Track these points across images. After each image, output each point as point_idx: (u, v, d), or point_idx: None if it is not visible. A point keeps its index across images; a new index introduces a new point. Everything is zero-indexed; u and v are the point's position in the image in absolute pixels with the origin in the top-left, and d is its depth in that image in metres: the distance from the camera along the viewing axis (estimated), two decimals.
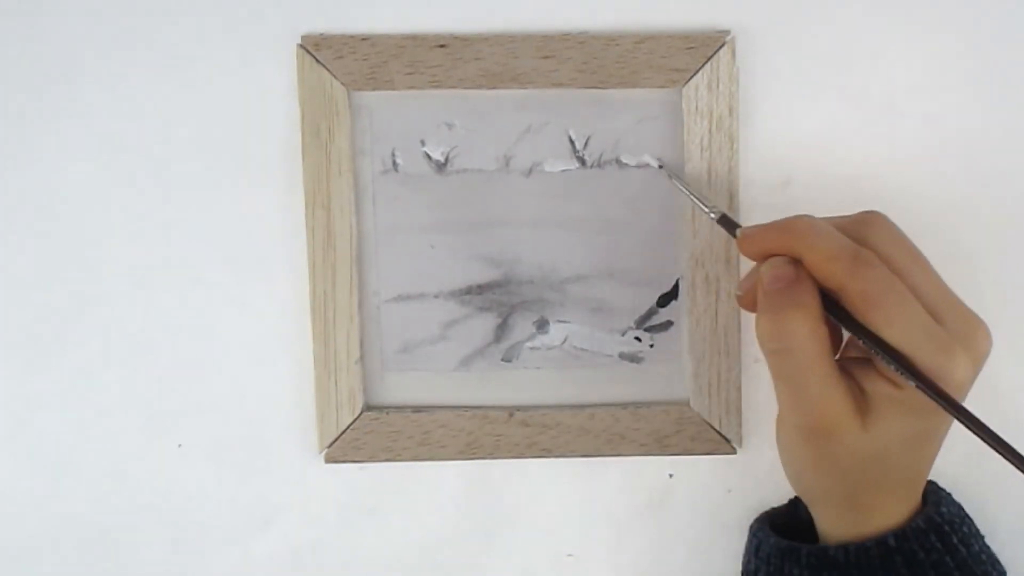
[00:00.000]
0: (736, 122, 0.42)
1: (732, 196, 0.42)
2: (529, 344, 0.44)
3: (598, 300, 0.43)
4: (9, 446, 0.45)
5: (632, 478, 0.45)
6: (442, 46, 0.42)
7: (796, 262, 0.35)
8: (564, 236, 0.43)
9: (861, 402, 0.35)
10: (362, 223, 0.43)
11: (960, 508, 0.40)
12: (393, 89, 0.42)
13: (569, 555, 0.45)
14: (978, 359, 0.34)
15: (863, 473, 0.36)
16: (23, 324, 0.44)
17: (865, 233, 0.35)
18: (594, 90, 0.42)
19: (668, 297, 0.43)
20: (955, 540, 0.37)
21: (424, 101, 0.43)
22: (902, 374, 0.33)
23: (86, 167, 0.43)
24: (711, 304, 0.43)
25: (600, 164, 0.43)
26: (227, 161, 0.43)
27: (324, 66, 0.42)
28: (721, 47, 0.42)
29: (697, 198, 0.41)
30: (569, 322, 0.44)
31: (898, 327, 0.33)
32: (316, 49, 0.42)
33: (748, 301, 0.36)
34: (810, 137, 0.43)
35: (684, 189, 0.41)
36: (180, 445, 0.45)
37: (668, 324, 0.44)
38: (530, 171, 0.43)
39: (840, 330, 0.37)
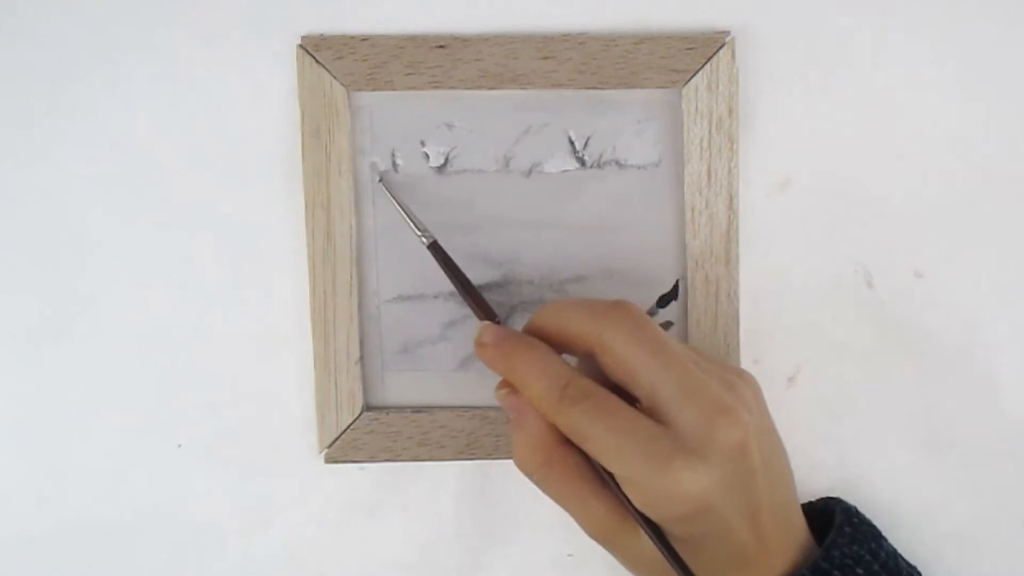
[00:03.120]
0: (736, 122, 0.42)
1: (732, 196, 0.42)
2: None
3: None
4: (9, 446, 0.45)
5: None
6: (442, 46, 0.42)
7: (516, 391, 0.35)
8: (564, 236, 0.43)
9: (625, 512, 0.34)
10: (362, 223, 0.43)
11: (864, 541, 0.37)
12: (393, 89, 0.42)
13: (569, 555, 0.45)
14: (720, 452, 0.32)
15: (688, 560, 0.34)
16: (23, 324, 0.44)
17: (603, 331, 0.34)
18: (594, 91, 0.42)
19: (668, 298, 0.43)
20: None
21: (424, 101, 0.43)
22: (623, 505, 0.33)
23: (86, 167, 0.43)
24: (711, 305, 0.43)
25: (600, 164, 0.43)
26: (227, 161, 0.43)
27: (324, 66, 0.42)
28: (721, 47, 0.42)
29: (410, 218, 0.40)
30: None
31: (610, 455, 0.32)
32: (316, 49, 0.42)
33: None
34: (810, 137, 0.43)
35: (397, 206, 0.41)
36: (180, 445, 0.45)
37: (668, 324, 0.44)
38: (530, 171, 0.43)
39: None
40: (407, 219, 0.40)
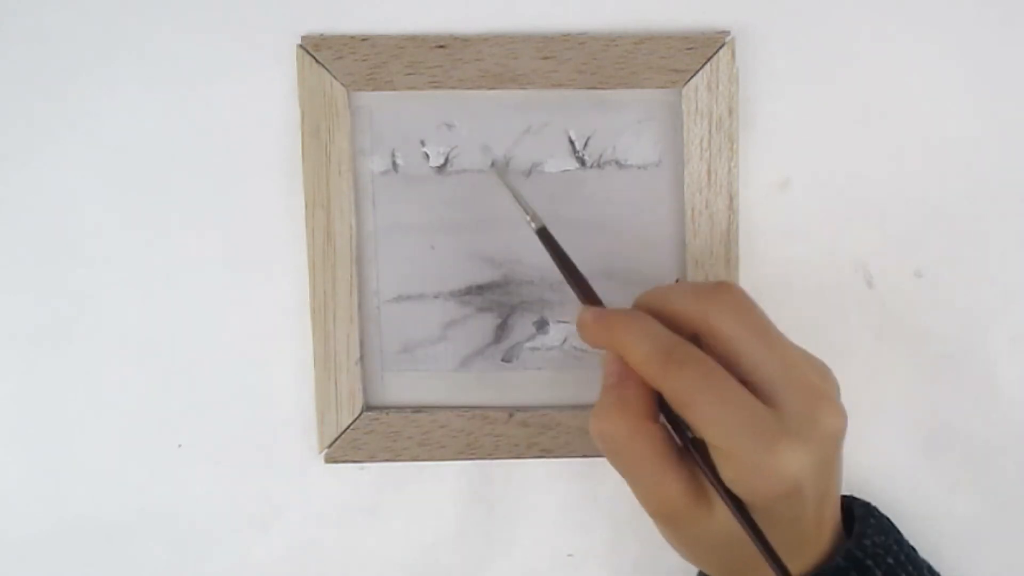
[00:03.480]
0: (736, 122, 0.42)
1: (732, 196, 0.42)
2: (529, 344, 0.44)
3: None
4: (9, 446, 0.45)
5: None
6: (442, 47, 0.42)
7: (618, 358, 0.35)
8: (564, 236, 0.43)
9: (702, 489, 0.34)
10: (362, 223, 0.43)
11: (888, 532, 0.38)
12: (393, 89, 0.42)
13: (569, 555, 0.45)
14: (821, 440, 0.32)
15: (735, 549, 0.34)
16: (23, 324, 0.44)
17: (708, 310, 0.34)
18: (594, 91, 0.42)
19: None
20: (879, 574, 0.36)
21: (424, 101, 0.43)
22: (707, 479, 0.33)
23: (86, 168, 0.43)
24: None
25: (600, 164, 0.43)
26: (227, 162, 0.43)
27: (324, 66, 0.42)
28: (721, 47, 0.42)
29: (521, 203, 0.39)
30: (569, 323, 0.44)
31: (713, 425, 0.32)
32: (316, 49, 0.42)
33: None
34: (810, 137, 0.43)
35: (510, 192, 0.40)
36: (180, 445, 0.45)
37: None
38: (530, 171, 0.43)
39: None
40: (518, 204, 0.39)
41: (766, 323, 0.34)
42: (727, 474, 0.33)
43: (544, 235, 0.39)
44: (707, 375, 0.32)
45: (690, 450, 0.34)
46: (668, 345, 0.33)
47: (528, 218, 0.39)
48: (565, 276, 0.38)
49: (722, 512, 0.33)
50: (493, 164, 0.42)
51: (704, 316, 0.34)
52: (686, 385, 0.32)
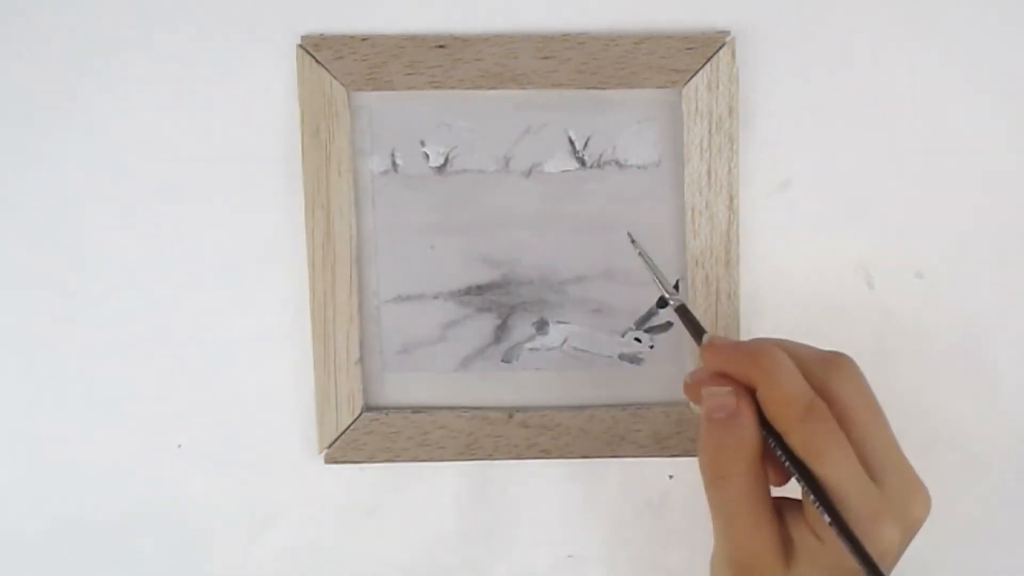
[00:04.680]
0: (736, 122, 0.42)
1: (732, 197, 0.42)
2: (529, 345, 0.44)
3: (598, 301, 0.43)
4: (9, 446, 0.45)
5: (632, 479, 0.45)
6: (442, 46, 0.42)
7: (740, 393, 0.35)
8: (564, 237, 0.43)
9: (787, 546, 0.34)
10: (362, 223, 0.43)
11: None
12: (393, 89, 0.42)
13: (569, 555, 0.45)
14: (911, 526, 0.33)
15: None
16: (23, 324, 0.44)
17: (829, 375, 0.34)
18: (594, 91, 0.42)
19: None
20: None
21: (424, 101, 0.43)
22: (829, 524, 0.33)
23: (86, 168, 0.43)
24: (711, 305, 0.43)
25: (600, 164, 0.43)
26: (227, 162, 0.43)
27: (324, 66, 0.42)
28: (721, 47, 0.42)
29: (659, 278, 0.40)
30: (569, 323, 0.44)
31: (836, 482, 0.33)
32: (316, 49, 0.42)
33: (694, 393, 0.36)
34: (810, 137, 0.43)
35: (648, 264, 0.40)
36: (180, 445, 0.45)
37: (668, 325, 0.44)
38: (530, 171, 0.43)
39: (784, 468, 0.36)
40: (656, 279, 0.39)
41: (878, 404, 0.35)
42: (831, 533, 0.33)
43: (683, 312, 0.39)
44: (837, 435, 0.33)
45: (802, 483, 0.34)
46: (810, 395, 0.34)
47: (668, 296, 0.39)
48: (692, 336, 0.38)
49: (797, 573, 0.34)
50: (633, 240, 0.41)
51: (826, 381, 0.34)
52: (818, 438, 0.33)
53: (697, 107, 0.42)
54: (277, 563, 0.45)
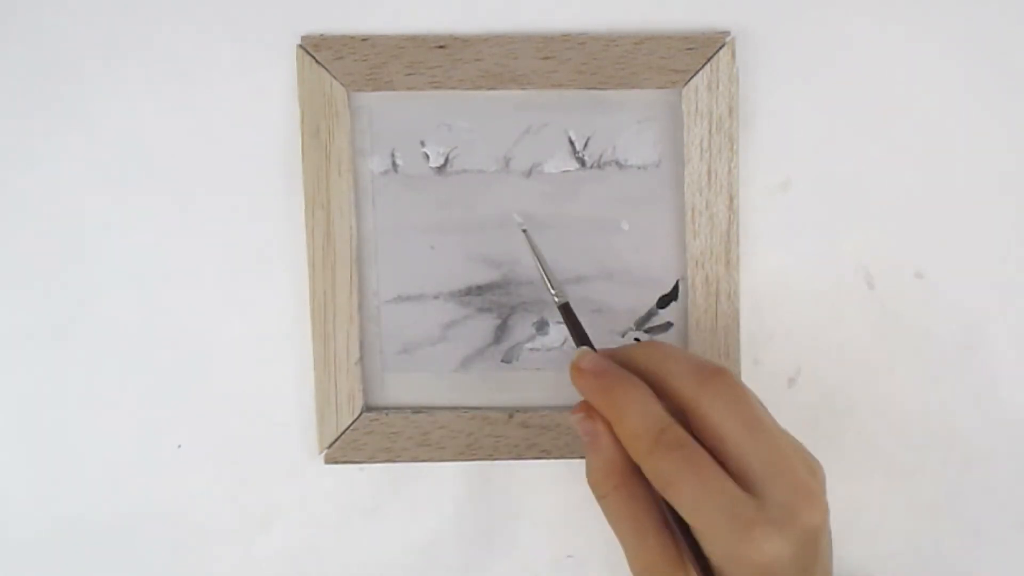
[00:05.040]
0: (736, 123, 0.42)
1: (732, 197, 0.42)
2: (529, 345, 0.44)
3: (598, 301, 0.43)
4: (9, 446, 0.45)
5: None
6: (442, 47, 0.42)
7: (596, 416, 0.36)
8: (564, 237, 0.43)
9: (682, 556, 0.35)
10: (362, 223, 0.43)
11: None
12: (393, 90, 0.42)
13: (569, 556, 0.45)
14: (800, 534, 0.32)
15: None
16: (23, 323, 0.44)
17: (700, 392, 0.34)
18: (594, 91, 0.42)
19: (668, 298, 0.43)
20: None
21: (424, 102, 0.43)
22: (687, 557, 0.34)
23: (86, 168, 0.43)
24: (711, 305, 0.43)
25: (600, 165, 0.43)
26: (227, 161, 0.43)
27: (324, 67, 0.42)
28: (721, 48, 0.42)
29: (547, 275, 0.40)
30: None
31: (693, 508, 0.33)
32: (316, 50, 0.42)
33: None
34: (810, 137, 0.43)
35: (538, 260, 0.40)
36: (180, 445, 0.45)
37: (668, 325, 0.44)
38: (530, 172, 0.43)
39: None
40: (543, 275, 0.40)
41: (756, 414, 0.34)
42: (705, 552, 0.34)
43: (566, 311, 0.39)
44: (692, 459, 0.33)
45: (672, 524, 0.35)
46: (660, 426, 0.34)
47: (553, 292, 0.39)
48: (571, 334, 0.39)
49: None
50: (524, 230, 0.42)
51: (697, 402, 0.34)
52: (670, 468, 0.33)
53: (697, 107, 0.42)
54: (277, 563, 0.45)
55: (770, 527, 0.32)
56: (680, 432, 0.34)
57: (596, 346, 0.38)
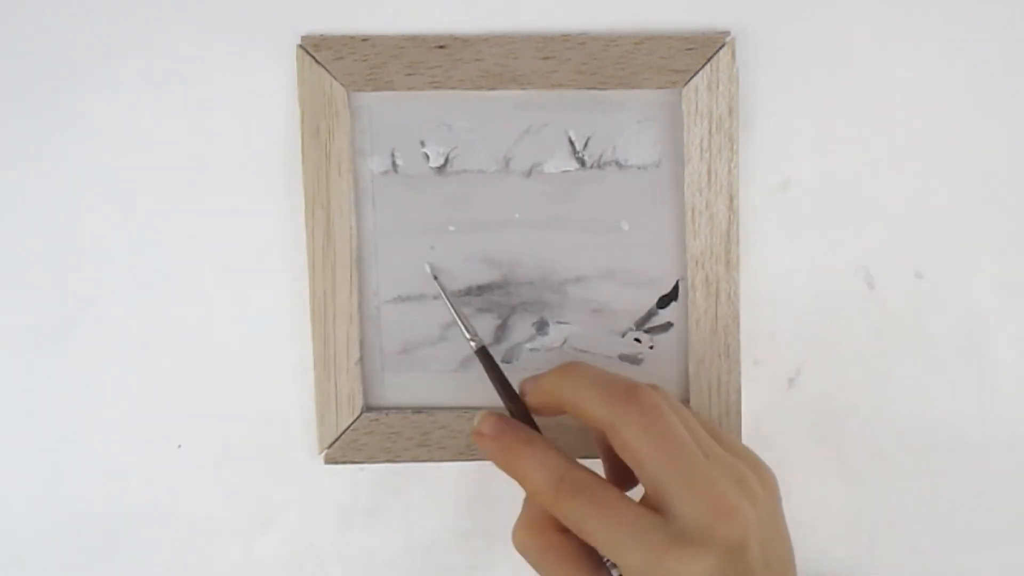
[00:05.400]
0: (736, 123, 0.42)
1: (732, 197, 0.42)
2: (529, 345, 0.44)
3: (598, 301, 0.43)
4: (9, 446, 0.45)
5: None
6: (442, 47, 0.42)
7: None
8: (564, 237, 0.43)
9: None
10: (362, 223, 0.43)
11: None
12: (393, 90, 0.42)
13: None
14: (721, 548, 0.32)
15: None
16: (23, 324, 0.44)
17: (614, 417, 0.34)
18: (594, 91, 0.42)
19: (668, 299, 0.43)
20: None
21: (424, 102, 0.43)
22: None
23: (86, 168, 0.43)
24: (711, 306, 0.43)
25: (600, 165, 0.43)
26: (227, 162, 0.43)
27: (324, 67, 0.42)
28: (721, 48, 0.42)
29: (461, 320, 0.40)
30: (569, 323, 0.44)
31: (607, 545, 0.33)
32: (316, 50, 0.42)
33: None
34: (810, 137, 0.43)
35: (449, 304, 0.41)
36: (180, 445, 0.45)
37: (668, 325, 0.44)
38: (530, 172, 0.43)
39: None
40: (457, 318, 0.40)
41: (672, 435, 0.34)
42: None
43: (483, 355, 0.40)
44: (594, 499, 0.34)
45: (600, 563, 0.35)
46: (559, 475, 0.35)
47: (468, 337, 0.40)
48: (498, 391, 0.39)
49: None
50: (435, 277, 0.43)
51: (613, 427, 0.34)
52: (576, 513, 0.34)
53: (697, 107, 0.42)
54: (277, 563, 0.45)
55: (685, 548, 0.32)
56: (580, 475, 0.35)
57: (588, 346, 0.38)
